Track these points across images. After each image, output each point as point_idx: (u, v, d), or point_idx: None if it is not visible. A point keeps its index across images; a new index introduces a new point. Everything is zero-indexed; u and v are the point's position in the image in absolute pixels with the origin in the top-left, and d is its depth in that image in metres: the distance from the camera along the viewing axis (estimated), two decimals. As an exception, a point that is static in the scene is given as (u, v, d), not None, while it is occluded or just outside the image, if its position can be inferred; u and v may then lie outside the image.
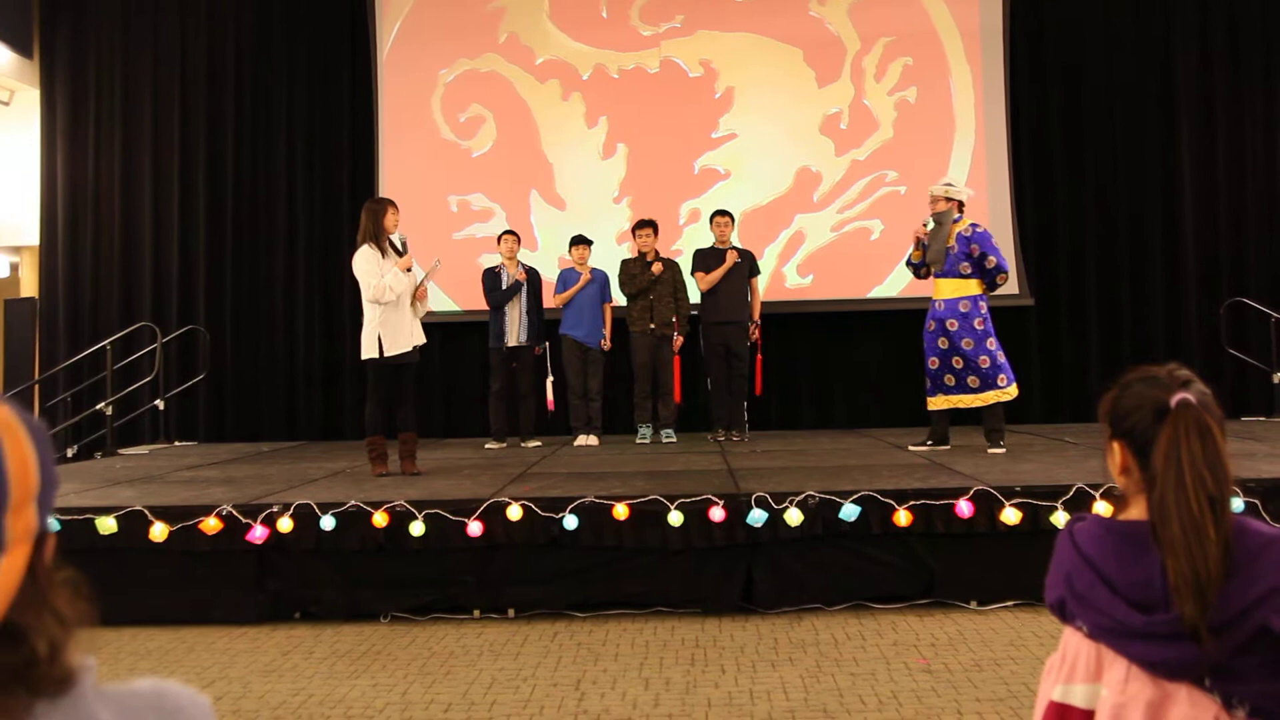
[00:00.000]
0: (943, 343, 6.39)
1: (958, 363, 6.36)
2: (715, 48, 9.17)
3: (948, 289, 6.39)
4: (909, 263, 6.68)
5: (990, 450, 6.36)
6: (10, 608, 0.75)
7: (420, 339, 6.03)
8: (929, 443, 6.59)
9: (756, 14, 9.14)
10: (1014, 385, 6.40)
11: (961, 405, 6.45)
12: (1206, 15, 9.01)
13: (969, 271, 6.33)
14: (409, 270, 5.90)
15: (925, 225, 6.50)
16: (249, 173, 9.53)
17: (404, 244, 5.98)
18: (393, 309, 5.86)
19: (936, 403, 6.54)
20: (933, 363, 6.47)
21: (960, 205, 6.49)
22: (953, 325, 6.33)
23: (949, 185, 6.54)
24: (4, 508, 0.75)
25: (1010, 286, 8.79)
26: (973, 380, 6.35)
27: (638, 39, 9.20)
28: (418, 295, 5.98)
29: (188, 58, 9.58)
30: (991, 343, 6.34)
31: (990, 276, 6.32)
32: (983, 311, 6.35)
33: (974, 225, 6.41)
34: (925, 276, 6.61)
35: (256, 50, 9.57)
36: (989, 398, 6.35)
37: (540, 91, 9.24)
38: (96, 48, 9.69)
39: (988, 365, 6.31)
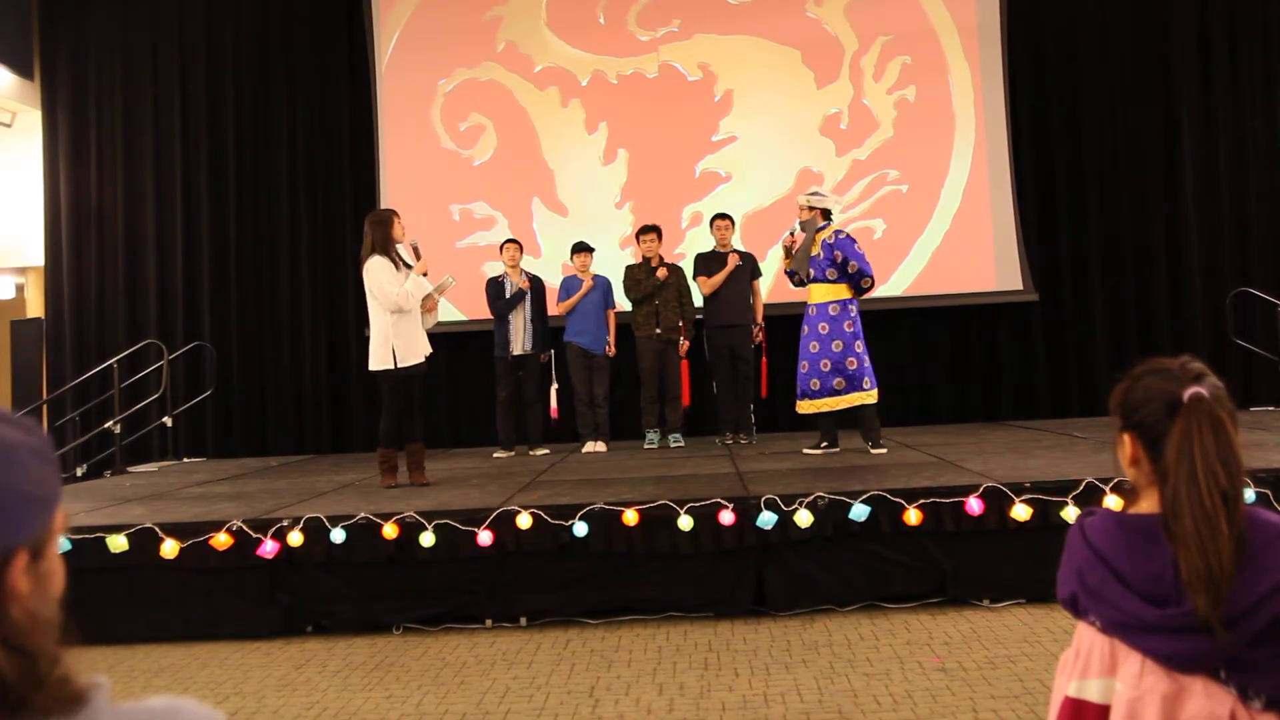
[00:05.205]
0: (814, 346, 6.53)
1: (825, 365, 6.48)
2: (713, 51, 9.17)
3: (818, 294, 6.59)
4: (787, 272, 6.80)
5: (873, 450, 6.47)
6: None
7: (428, 349, 6.06)
8: (824, 445, 6.68)
9: (754, 16, 9.14)
10: (875, 389, 6.53)
11: (826, 408, 6.55)
12: (1205, 2, 8.99)
13: (835, 277, 6.53)
14: (425, 274, 5.95)
15: (792, 233, 6.67)
16: (251, 187, 9.56)
17: (415, 249, 6.04)
18: (406, 319, 5.88)
19: (803, 407, 6.64)
20: (803, 366, 6.59)
21: (826, 213, 6.66)
22: (824, 329, 6.51)
23: (813, 194, 6.74)
24: None
25: (1014, 282, 8.79)
26: (838, 383, 6.48)
27: (636, 44, 9.21)
28: (427, 307, 5.99)
29: (187, 74, 9.62)
30: (859, 345, 6.51)
31: (855, 281, 6.51)
32: (851, 314, 6.54)
33: (838, 232, 6.61)
34: (799, 284, 6.75)
35: (255, 65, 9.60)
36: (853, 399, 6.49)
37: (540, 99, 9.25)
38: (96, 68, 9.73)
39: (854, 368, 6.47)
